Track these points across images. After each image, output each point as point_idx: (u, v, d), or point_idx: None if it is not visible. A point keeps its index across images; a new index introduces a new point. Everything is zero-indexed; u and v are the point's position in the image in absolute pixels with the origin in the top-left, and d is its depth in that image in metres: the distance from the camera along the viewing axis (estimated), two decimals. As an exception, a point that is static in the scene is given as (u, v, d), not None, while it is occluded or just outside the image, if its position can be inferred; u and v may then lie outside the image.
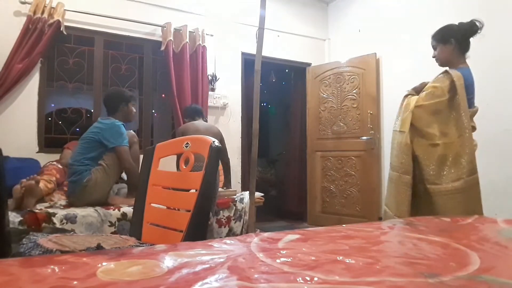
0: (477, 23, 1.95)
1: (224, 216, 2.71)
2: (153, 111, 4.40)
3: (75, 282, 0.43)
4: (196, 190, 1.12)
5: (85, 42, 3.56)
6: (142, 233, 1.26)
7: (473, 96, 1.99)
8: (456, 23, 2.05)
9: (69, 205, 2.36)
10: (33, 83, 3.22)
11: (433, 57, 2.11)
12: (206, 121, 3.21)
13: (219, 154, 1.18)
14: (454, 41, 1.98)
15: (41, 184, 2.36)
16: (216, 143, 1.17)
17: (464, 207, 1.80)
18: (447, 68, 2.00)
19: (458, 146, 1.84)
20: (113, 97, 2.57)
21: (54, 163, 2.85)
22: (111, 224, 2.24)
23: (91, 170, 2.31)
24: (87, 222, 2.15)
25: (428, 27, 3.54)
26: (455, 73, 1.89)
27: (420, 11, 3.73)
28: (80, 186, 2.29)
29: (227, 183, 3.10)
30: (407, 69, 3.81)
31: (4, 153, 0.96)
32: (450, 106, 1.89)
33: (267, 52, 3.24)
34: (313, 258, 0.55)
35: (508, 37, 3.02)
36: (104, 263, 0.50)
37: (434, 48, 2.08)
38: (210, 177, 1.13)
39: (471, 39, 2.03)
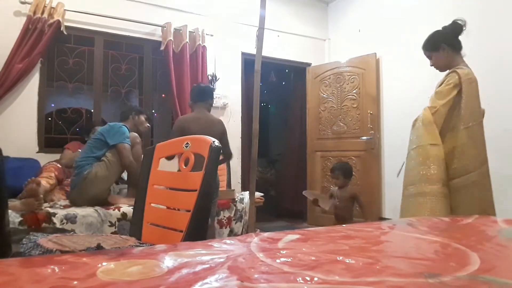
0: (459, 22, 2.02)
1: (224, 216, 2.71)
2: (153, 111, 4.40)
3: (75, 282, 0.43)
4: (196, 190, 1.12)
5: (85, 42, 3.56)
6: (142, 233, 1.26)
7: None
8: (440, 28, 2.12)
9: (70, 202, 2.38)
10: (33, 83, 3.22)
11: (431, 65, 2.16)
12: (211, 104, 2.83)
13: (219, 154, 1.18)
14: (445, 45, 2.04)
15: (43, 182, 2.37)
16: (216, 143, 1.17)
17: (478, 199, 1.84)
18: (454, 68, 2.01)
19: (465, 138, 1.87)
20: (126, 108, 2.85)
21: (53, 162, 2.86)
22: (111, 224, 2.24)
23: (93, 164, 2.37)
24: (87, 222, 2.15)
25: (428, 27, 3.54)
26: (461, 71, 1.93)
27: (420, 11, 3.73)
28: (80, 178, 2.32)
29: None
30: (407, 69, 3.81)
31: (4, 153, 0.96)
32: (456, 101, 1.91)
33: (267, 52, 3.24)
34: (313, 258, 0.55)
35: (508, 37, 3.02)
36: (104, 263, 0.50)
37: (429, 57, 2.14)
38: (210, 177, 1.13)
39: (466, 38, 2.06)
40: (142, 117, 2.80)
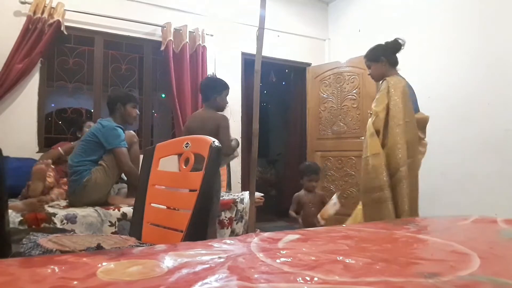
0: (400, 41, 2.30)
1: (226, 217, 2.71)
2: (153, 111, 4.40)
3: (75, 282, 0.43)
4: (196, 190, 1.12)
5: (85, 42, 3.56)
6: (142, 233, 1.26)
7: (414, 101, 2.19)
8: (383, 43, 2.37)
9: (69, 204, 2.36)
10: (33, 83, 3.22)
11: (368, 74, 2.42)
12: (215, 98, 2.62)
13: (219, 154, 1.18)
14: (384, 58, 2.28)
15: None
16: (216, 143, 1.17)
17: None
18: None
19: (397, 136, 2.04)
20: (112, 97, 2.57)
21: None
22: (111, 224, 2.24)
23: (91, 170, 2.32)
24: (87, 222, 2.15)
25: (428, 27, 3.55)
26: (390, 78, 2.16)
27: (420, 11, 3.73)
28: (79, 186, 2.29)
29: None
30: (407, 69, 3.80)
31: (4, 153, 0.96)
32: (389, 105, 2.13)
33: (267, 52, 3.23)
34: (313, 258, 0.55)
35: (508, 37, 3.02)
36: (104, 263, 0.50)
37: (368, 67, 2.38)
38: (210, 177, 1.13)
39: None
40: (129, 107, 2.52)
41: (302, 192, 2.88)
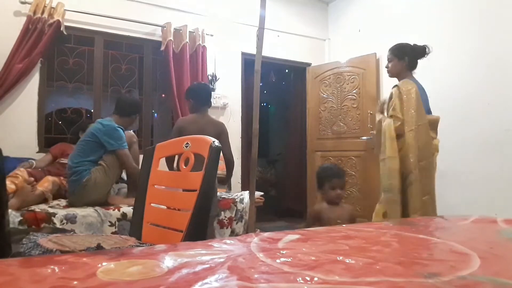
0: (427, 48, 2.36)
1: (226, 217, 2.71)
2: (153, 111, 4.40)
3: (75, 282, 0.43)
4: (196, 190, 1.12)
5: (85, 42, 3.56)
6: (142, 233, 1.26)
7: (425, 102, 2.28)
8: (411, 44, 2.41)
9: (69, 204, 2.36)
10: (33, 83, 3.22)
11: (386, 67, 2.47)
12: (210, 105, 2.78)
13: (219, 153, 1.18)
14: (407, 58, 2.35)
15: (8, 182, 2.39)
16: (216, 143, 1.17)
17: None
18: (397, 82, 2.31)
19: (409, 142, 2.16)
20: (132, 103, 2.65)
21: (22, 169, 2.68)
22: (111, 224, 2.24)
23: (91, 170, 2.32)
24: (87, 222, 2.15)
25: (428, 27, 3.54)
26: (402, 84, 2.23)
27: (420, 11, 3.73)
28: (79, 185, 2.30)
29: (227, 181, 2.88)
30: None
31: (4, 153, 0.95)
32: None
33: (267, 52, 3.23)
34: (313, 258, 0.55)
35: (508, 37, 3.01)
36: (104, 263, 0.50)
37: (389, 60, 2.43)
38: (210, 177, 1.13)
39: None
40: (137, 119, 2.75)
41: (323, 204, 2.14)
